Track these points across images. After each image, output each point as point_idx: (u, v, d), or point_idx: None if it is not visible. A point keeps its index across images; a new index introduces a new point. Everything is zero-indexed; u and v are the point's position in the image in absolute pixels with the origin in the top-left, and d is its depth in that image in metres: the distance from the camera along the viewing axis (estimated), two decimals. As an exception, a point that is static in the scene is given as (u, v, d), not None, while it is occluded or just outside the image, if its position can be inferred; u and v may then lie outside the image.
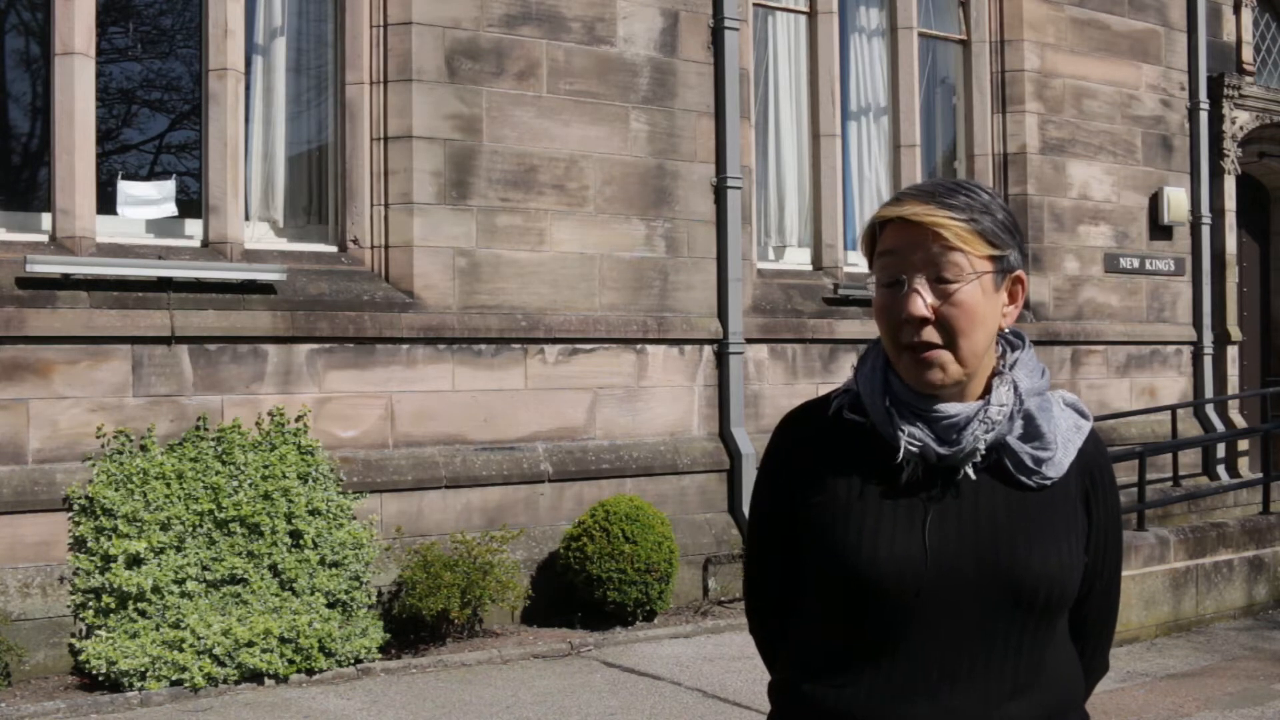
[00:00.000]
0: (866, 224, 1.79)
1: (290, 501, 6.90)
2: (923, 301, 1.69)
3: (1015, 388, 1.75)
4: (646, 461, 8.29)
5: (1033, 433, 1.75)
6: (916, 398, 1.74)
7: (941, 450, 1.72)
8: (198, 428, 6.87)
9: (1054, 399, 1.81)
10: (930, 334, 1.69)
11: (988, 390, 1.76)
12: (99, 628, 6.33)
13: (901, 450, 1.72)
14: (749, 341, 8.83)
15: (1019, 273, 1.77)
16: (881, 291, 1.74)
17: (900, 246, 1.71)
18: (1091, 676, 1.91)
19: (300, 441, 7.10)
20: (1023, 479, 1.75)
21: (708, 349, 8.69)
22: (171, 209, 7.33)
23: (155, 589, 6.41)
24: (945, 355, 1.70)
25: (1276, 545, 8.32)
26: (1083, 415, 1.82)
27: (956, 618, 1.69)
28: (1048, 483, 1.75)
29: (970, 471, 1.73)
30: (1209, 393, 11.64)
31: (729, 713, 5.91)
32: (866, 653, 1.73)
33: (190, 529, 6.64)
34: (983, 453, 1.73)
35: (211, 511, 6.70)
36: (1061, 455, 1.76)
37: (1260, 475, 9.48)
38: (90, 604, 6.39)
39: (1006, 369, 1.77)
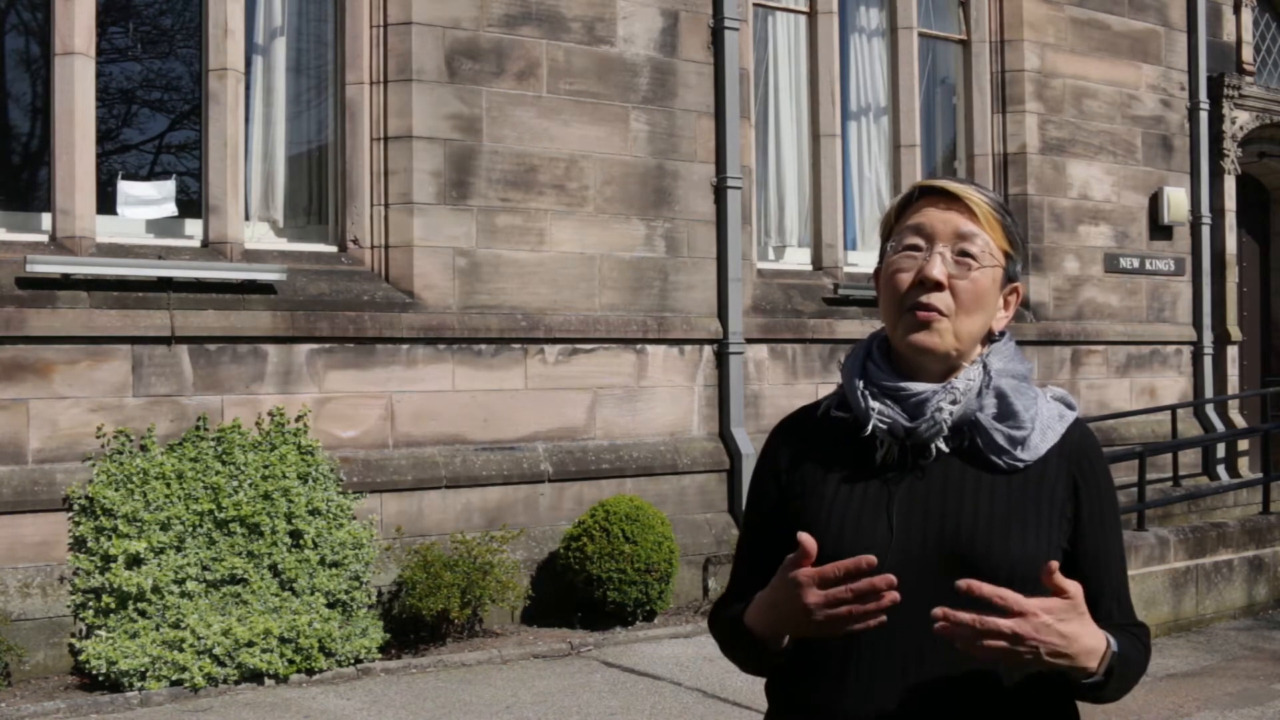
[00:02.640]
0: (902, 194, 1.87)
1: (290, 501, 6.90)
2: (943, 266, 1.76)
3: (985, 367, 1.80)
4: (646, 461, 8.29)
5: (1006, 411, 1.78)
6: (888, 377, 1.80)
7: (908, 424, 1.77)
8: (198, 428, 6.87)
9: (1040, 391, 1.85)
10: (940, 299, 1.76)
11: None
12: (99, 628, 6.33)
13: (870, 425, 1.77)
14: (749, 341, 8.83)
15: (1018, 284, 1.86)
16: (898, 255, 1.81)
17: (932, 216, 1.80)
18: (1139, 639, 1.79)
19: (300, 441, 7.10)
20: (994, 459, 1.77)
21: (708, 349, 8.69)
22: (171, 209, 7.33)
23: (155, 589, 6.41)
24: (945, 323, 1.77)
25: (1276, 545, 8.32)
26: (1069, 406, 1.85)
27: (926, 603, 1.67)
28: (1019, 465, 1.77)
29: (943, 445, 1.77)
30: (1209, 393, 11.64)
31: (729, 713, 5.91)
32: (844, 642, 1.73)
33: (190, 529, 6.64)
34: (949, 425, 1.76)
35: (211, 511, 6.70)
36: (1038, 439, 1.78)
37: (1260, 475, 9.49)
38: (90, 604, 6.39)
39: (980, 358, 1.83)
